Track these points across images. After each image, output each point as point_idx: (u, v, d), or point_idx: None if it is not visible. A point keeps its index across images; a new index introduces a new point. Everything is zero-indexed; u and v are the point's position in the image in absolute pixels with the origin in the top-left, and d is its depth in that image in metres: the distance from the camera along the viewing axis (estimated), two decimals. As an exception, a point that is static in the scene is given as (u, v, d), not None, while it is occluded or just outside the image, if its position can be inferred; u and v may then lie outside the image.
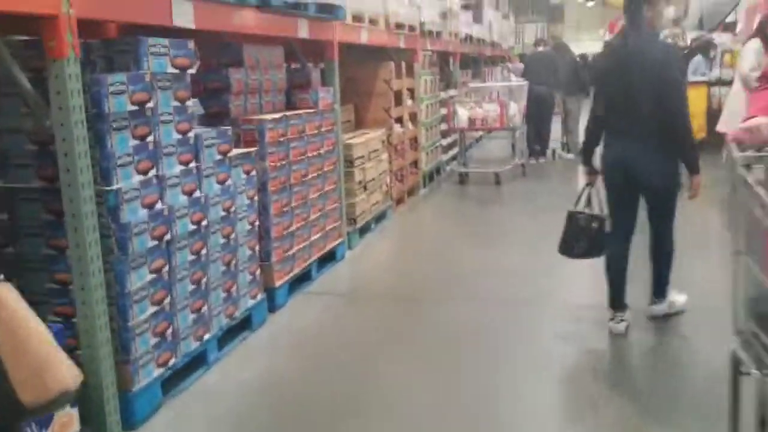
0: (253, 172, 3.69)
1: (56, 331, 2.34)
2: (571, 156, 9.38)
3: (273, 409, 2.97)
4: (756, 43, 5.63)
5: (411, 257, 5.36)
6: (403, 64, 6.78)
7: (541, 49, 9.76)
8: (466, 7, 9.98)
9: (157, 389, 2.88)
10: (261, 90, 4.15)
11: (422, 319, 3.89)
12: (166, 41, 2.91)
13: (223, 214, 3.35)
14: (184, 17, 3.04)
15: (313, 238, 4.49)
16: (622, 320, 3.48)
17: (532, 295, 4.19)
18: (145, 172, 2.79)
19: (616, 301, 3.50)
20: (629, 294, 3.54)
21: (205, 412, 2.93)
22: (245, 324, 3.64)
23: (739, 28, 8.29)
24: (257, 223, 3.76)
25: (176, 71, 2.98)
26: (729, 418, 2.04)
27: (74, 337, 2.58)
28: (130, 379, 2.73)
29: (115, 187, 2.62)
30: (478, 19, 10.67)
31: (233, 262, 3.48)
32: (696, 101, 7.58)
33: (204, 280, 3.22)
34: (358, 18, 5.23)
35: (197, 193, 3.13)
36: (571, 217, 3.59)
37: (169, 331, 2.96)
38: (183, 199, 3.03)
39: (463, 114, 7.79)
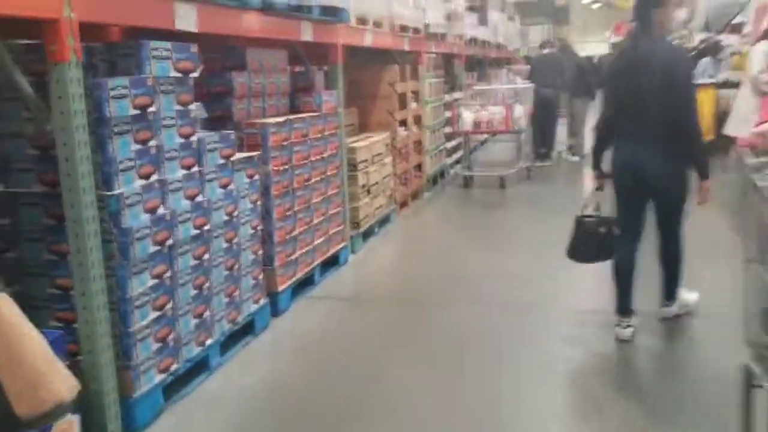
0: (256, 176, 3.67)
1: (57, 337, 2.33)
2: (576, 159, 9.35)
3: (276, 414, 2.95)
4: (765, 45, 5.59)
5: (415, 261, 5.33)
6: (408, 67, 6.75)
7: (546, 51, 9.72)
8: (471, 9, 9.95)
9: (158, 395, 2.86)
10: (264, 93, 4.13)
11: (426, 323, 3.86)
12: (168, 45, 2.89)
13: (225, 218, 3.33)
14: (186, 21, 3.02)
15: (316, 243, 4.47)
16: (628, 326, 3.44)
17: (537, 299, 4.16)
18: (147, 177, 2.77)
19: (623, 306, 3.47)
20: (637, 299, 3.51)
21: (207, 417, 2.91)
22: (248, 329, 3.62)
23: (747, 29, 8.23)
24: (260, 227, 3.74)
25: (179, 75, 2.96)
26: (740, 431, 2.01)
27: (75, 342, 2.57)
28: (132, 385, 2.71)
29: (116, 191, 2.61)
30: (483, 21, 10.64)
31: (236, 266, 3.46)
32: (704, 104, 7.53)
33: (206, 285, 3.20)
34: (362, 20, 5.21)
35: (200, 198, 3.11)
36: (579, 221, 3.57)
37: (171, 336, 2.94)
38: (185, 203, 3.01)
39: (467, 117, 7.76)
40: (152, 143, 2.80)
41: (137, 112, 2.69)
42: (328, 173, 4.66)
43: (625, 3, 21.97)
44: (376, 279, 4.84)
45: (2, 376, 1.13)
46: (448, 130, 8.42)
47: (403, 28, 6.31)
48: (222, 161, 3.30)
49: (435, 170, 7.94)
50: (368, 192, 5.47)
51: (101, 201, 2.56)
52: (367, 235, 5.53)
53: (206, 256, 3.18)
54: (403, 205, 6.71)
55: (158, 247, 2.82)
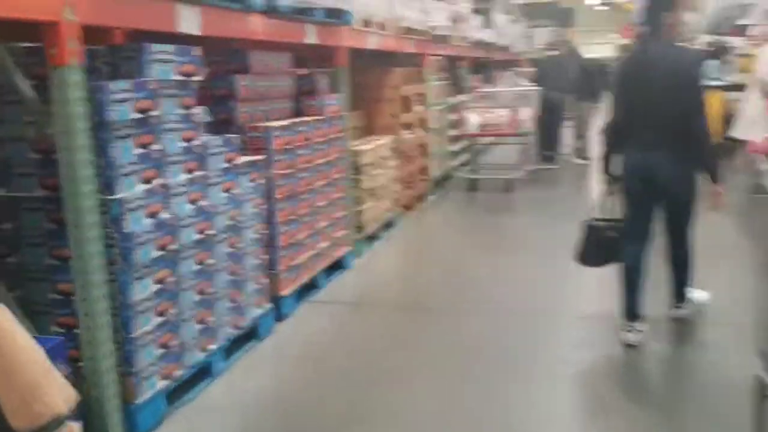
0: (260, 180, 3.64)
1: (58, 344, 2.30)
2: (582, 162, 9.30)
3: (280, 419, 2.92)
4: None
5: (419, 266, 5.29)
6: (413, 70, 6.72)
7: (552, 53, 9.68)
8: (476, 11, 9.93)
9: (161, 401, 2.84)
10: (268, 97, 4.11)
11: (431, 328, 3.83)
12: (170, 48, 2.87)
13: (229, 223, 3.31)
14: (189, 23, 3.00)
15: (320, 247, 4.44)
16: (636, 330, 3.41)
17: (543, 303, 4.13)
18: (149, 181, 2.75)
19: (631, 311, 3.44)
20: (644, 304, 3.47)
21: (210, 424, 2.88)
22: (252, 334, 3.59)
23: (752, 31, 8.18)
24: (264, 231, 3.71)
25: (181, 78, 2.94)
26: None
27: (77, 348, 2.54)
28: (134, 391, 2.68)
29: (118, 196, 2.58)
30: (488, 23, 10.61)
31: (239, 271, 3.43)
32: (711, 106, 7.47)
33: (209, 290, 3.17)
34: (366, 23, 5.18)
35: (203, 202, 3.09)
36: (588, 226, 3.54)
37: (174, 342, 2.92)
38: (188, 208, 2.99)
39: (473, 120, 7.73)
40: (154, 147, 2.78)
41: (139, 115, 2.67)
42: (333, 177, 4.63)
43: (630, 5, 21.94)
44: (381, 283, 4.81)
45: None
46: (453, 133, 8.39)
47: (408, 31, 6.28)
48: (225, 165, 3.28)
49: (440, 173, 7.91)
50: (373, 196, 5.44)
51: (103, 205, 2.53)
52: (371, 239, 5.50)
53: (209, 261, 3.16)
54: (409, 208, 6.68)
55: (161, 252, 2.79)
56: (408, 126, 6.60)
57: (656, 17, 3.26)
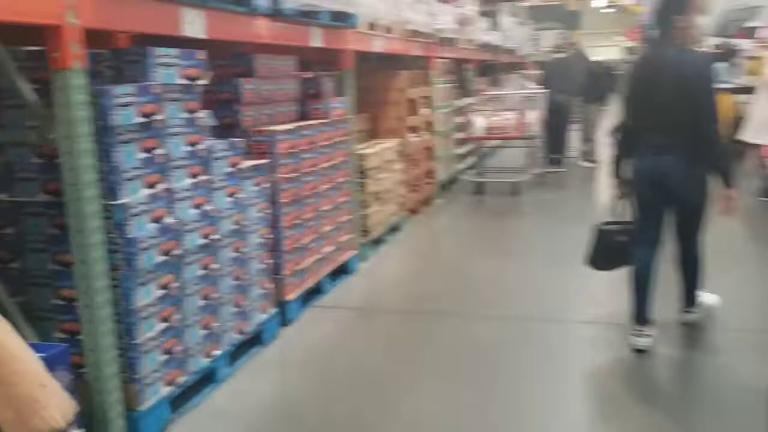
0: (265, 185, 3.62)
1: (61, 351, 2.27)
2: (589, 165, 9.25)
3: (285, 426, 2.89)
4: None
5: (426, 270, 5.25)
6: (419, 73, 6.69)
7: (559, 56, 9.63)
8: (482, 14, 9.90)
9: (165, 408, 2.81)
10: (273, 100, 4.09)
11: (437, 334, 3.79)
12: (175, 51, 2.85)
13: (233, 227, 3.28)
14: (194, 27, 2.98)
15: (325, 251, 4.41)
16: (646, 335, 3.37)
17: (550, 308, 4.08)
18: (153, 186, 2.72)
19: (641, 315, 3.40)
20: (654, 308, 3.43)
21: (214, 430, 2.86)
22: (256, 339, 3.57)
23: (765, 33, 8.12)
24: (268, 236, 3.68)
25: (186, 82, 2.92)
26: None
27: (80, 354, 2.52)
28: (138, 397, 2.66)
29: (122, 201, 2.56)
30: (494, 26, 10.58)
31: (244, 276, 3.41)
32: (720, 109, 7.42)
33: (214, 295, 3.15)
34: (372, 26, 5.16)
35: (207, 207, 3.06)
36: (599, 230, 3.53)
37: (178, 348, 2.89)
38: (192, 212, 2.96)
39: (479, 122, 7.69)
40: (158, 152, 2.76)
41: (143, 120, 2.65)
42: (338, 181, 4.61)
43: (637, 7, 21.87)
44: (387, 288, 4.77)
45: None
46: (459, 135, 8.36)
47: (415, 34, 6.26)
48: (230, 169, 3.25)
49: (447, 177, 7.87)
50: (378, 199, 5.41)
51: (106, 210, 2.51)
52: (377, 243, 5.47)
53: (214, 266, 3.13)
54: (415, 212, 6.65)
55: (165, 257, 2.77)
56: (414, 129, 6.57)
57: (667, 21, 3.23)
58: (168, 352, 2.82)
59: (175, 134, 2.86)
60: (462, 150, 8.63)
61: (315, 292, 4.30)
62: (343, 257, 4.72)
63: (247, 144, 3.64)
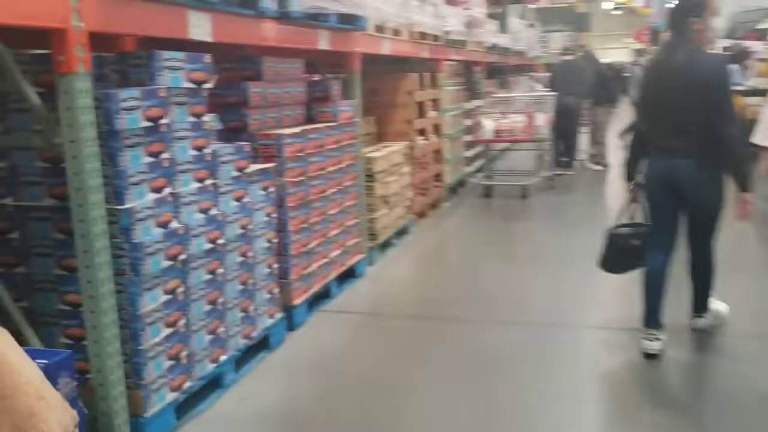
0: (271, 188, 3.59)
1: (65, 357, 2.25)
2: (599, 168, 9.19)
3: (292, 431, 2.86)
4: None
5: (434, 274, 5.22)
6: (427, 75, 6.66)
7: (567, 58, 9.58)
8: (491, 16, 9.86)
9: (170, 414, 2.79)
10: (280, 104, 4.06)
11: (445, 339, 3.75)
12: (181, 55, 2.83)
13: (240, 231, 3.26)
14: (200, 30, 2.95)
15: (332, 255, 4.38)
16: (656, 338, 3.32)
17: (559, 312, 4.04)
18: (159, 190, 2.70)
19: (651, 319, 3.36)
20: (666, 313, 3.40)
21: (220, 438, 2.83)
22: (263, 344, 3.54)
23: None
24: (275, 240, 3.65)
25: (192, 86, 2.89)
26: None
27: (85, 360, 2.50)
28: (143, 404, 2.64)
29: (127, 205, 2.54)
30: (503, 28, 10.54)
31: (250, 280, 3.38)
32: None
33: (220, 300, 3.12)
34: (380, 28, 5.13)
35: (213, 211, 3.04)
36: (611, 234, 3.51)
37: (184, 353, 2.87)
38: (199, 217, 2.94)
39: (488, 125, 7.64)
40: (164, 156, 2.73)
41: (149, 124, 2.63)
42: (345, 184, 4.58)
43: (645, 9, 21.79)
44: (395, 292, 4.74)
45: None
46: (468, 138, 8.32)
47: (423, 36, 6.23)
48: (236, 173, 3.23)
49: (455, 180, 7.83)
50: (386, 203, 5.37)
51: (112, 215, 2.49)
52: (385, 246, 5.44)
53: (220, 271, 3.11)
54: (422, 215, 6.61)
55: (171, 262, 2.74)
56: (422, 132, 6.53)
57: (683, 23, 3.19)
58: (174, 357, 2.79)
59: (182, 138, 2.84)
60: (470, 153, 8.59)
61: (322, 296, 4.27)
62: (350, 261, 4.69)
63: (254, 147, 3.62)
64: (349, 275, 4.69)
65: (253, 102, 3.78)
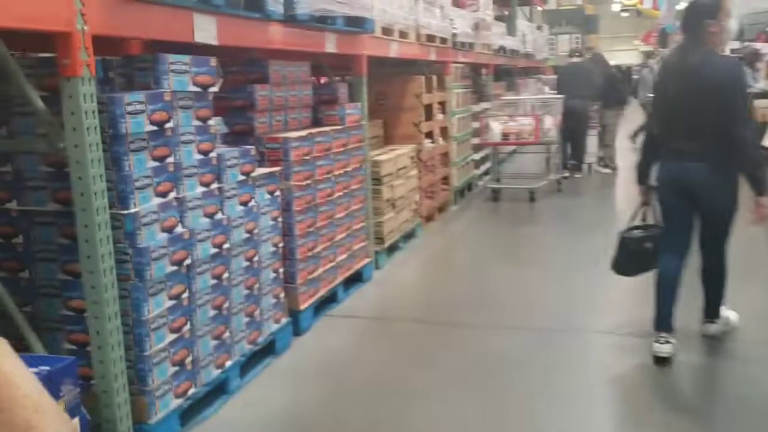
0: (277, 192, 3.57)
1: (69, 364, 2.22)
2: (608, 171, 9.13)
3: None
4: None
5: (441, 278, 5.18)
6: (434, 78, 6.63)
7: (575, 60, 9.52)
8: (498, 18, 9.82)
9: (175, 421, 2.76)
10: (286, 107, 4.04)
11: (452, 344, 3.72)
12: (187, 58, 2.81)
13: (245, 236, 3.23)
14: (206, 33, 2.93)
15: (339, 259, 4.35)
16: (667, 341, 3.28)
17: (569, 318, 3.99)
18: (164, 195, 2.68)
19: (662, 322, 3.33)
20: (678, 317, 3.36)
21: (225, 444, 2.81)
22: (269, 349, 3.51)
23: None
24: (281, 244, 3.63)
25: (198, 89, 2.87)
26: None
27: (89, 366, 2.47)
28: (147, 410, 2.61)
29: (132, 210, 2.51)
30: (511, 30, 10.50)
31: (256, 285, 3.36)
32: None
33: (226, 305, 3.10)
34: (387, 31, 5.10)
35: (219, 215, 3.02)
36: (623, 238, 3.49)
37: (189, 359, 2.84)
38: (204, 221, 2.91)
39: (496, 128, 7.60)
40: (170, 160, 2.71)
41: (154, 128, 2.60)
42: (352, 187, 4.55)
43: (654, 11, 21.68)
44: (401, 296, 4.70)
45: None
46: (475, 141, 8.28)
47: (430, 38, 6.19)
48: (242, 177, 3.21)
49: (462, 183, 7.79)
50: (393, 206, 5.34)
51: (116, 220, 2.47)
52: (391, 250, 5.40)
53: (225, 276, 3.08)
54: (430, 218, 6.57)
55: (176, 267, 2.72)
56: (429, 135, 6.50)
57: (698, 25, 3.16)
58: (178, 363, 2.77)
59: (187, 142, 2.82)
60: (478, 156, 8.55)
61: (328, 300, 4.24)
62: (357, 265, 4.66)
63: (260, 151, 3.60)
64: (355, 279, 4.66)
65: (259, 105, 3.75)
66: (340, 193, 4.36)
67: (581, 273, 4.73)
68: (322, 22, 3.93)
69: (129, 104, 2.47)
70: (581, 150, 9.11)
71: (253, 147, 3.36)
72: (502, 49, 9.74)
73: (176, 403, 2.76)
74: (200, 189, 2.90)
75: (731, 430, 2.72)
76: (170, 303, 2.71)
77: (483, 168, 8.81)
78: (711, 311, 3.49)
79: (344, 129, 4.41)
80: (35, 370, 2.01)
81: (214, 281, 3.00)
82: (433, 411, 2.97)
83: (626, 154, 9.58)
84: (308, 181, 3.91)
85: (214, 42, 2.97)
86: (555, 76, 10.53)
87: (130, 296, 2.54)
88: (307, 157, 3.90)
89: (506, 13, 11.37)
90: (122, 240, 2.51)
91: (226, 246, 3.06)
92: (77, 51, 2.20)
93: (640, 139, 3.60)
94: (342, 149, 4.35)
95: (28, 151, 2.58)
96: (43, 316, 2.65)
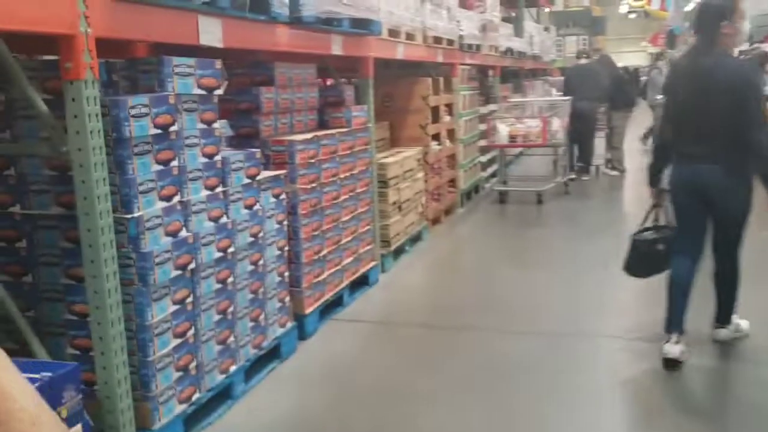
0: (283, 196, 3.54)
1: (71, 370, 2.20)
2: (615, 173, 9.07)
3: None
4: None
5: (448, 281, 5.15)
6: (441, 80, 6.60)
7: (583, 61, 9.47)
8: (506, 20, 9.78)
9: (179, 427, 2.74)
10: (292, 109, 4.02)
11: (459, 348, 3.68)
12: (192, 61, 2.78)
13: (250, 239, 3.21)
14: (211, 36, 2.91)
15: (344, 263, 4.32)
16: (679, 345, 3.25)
17: (578, 322, 3.95)
18: (168, 198, 2.66)
19: (673, 324, 3.29)
20: (689, 320, 3.32)
21: (229, 450, 2.78)
22: (274, 354, 3.49)
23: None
24: (287, 248, 3.60)
25: (202, 92, 2.85)
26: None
27: (92, 371, 2.45)
28: (151, 416, 2.59)
29: (136, 214, 2.49)
30: (518, 32, 10.46)
31: (261, 289, 3.33)
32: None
33: (230, 309, 3.07)
34: (394, 33, 5.07)
35: (224, 219, 2.99)
36: (634, 240, 3.47)
37: (193, 364, 2.82)
38: (208, 225, 2.89)
39: (503, 130, 7.56)
40: (174, 163, 2.69)
41: (158, 131, 2.58)
42: (358, 190, 4.52)
43: (662, 13, 21.59)
44: (408, 300, 4.67)
45: None
46: (482, 143, 8.24)
47: (437, 40, 6.17)
48: (247, 181, 3.18)
49: (469, 185, 7.76)
50: (399, 209, 5.31)
51: (120, 224, 2.45)
52: (398, 253, 5.37)
53: (230, 280, 3.06)
54: (436, 221, 6.54)
55: (180, 272, 2.70)
56: (436, 137, 6.47)
57: (713, 26, 3.12)
58: (182, 368, 2.74)
59: (191, 145, 2.79)
60: (485, 158, 8.51)
61: (334, 304, 4.22)
62: (362, 268, 4.63)
63: (266, 154, 3.58)
64: (361, 283, 4.63)
65: (265, 108, 3.73)
66: (346, 196, 4.33)
67: (589, 276, 4.68)
68: (328, 24, 3.91)
69: (133, 107, 2.45)
70: (589, 152, 9.05)
71: (258, 150, 3.34)
72: (509, 51, 9.70)
73: (180, 408, 2.73)
74: (205, 192, 2.88)
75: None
76: (174, 308, 2.68)
77: (490, 170, 8.77)
78: (723, 316, 3.46)
79: (350, 131, 4.38)
80: (37, 376, 1.99)
81: (219, 285, 2.97)
82: (439, 416, 2.94)
83: (634, 156, 9.53)
84: (314, 184, 3.89)
85: (220, 44, 2.95)
86: (562, 78, 10.48)
87: (134, 301, 2.52)
88: (313, 160, 3.87)
89: (513, 14, 11.33)
90: (126, 244, 2.49)
91: (230, 250, 3.04)
92: (81, 54, 2.18)
93: (651, 140, 3.56)
94: (348, 152, 4.33)
95: (31, 154, 2.56)
96: (46, 320, 2.63)
